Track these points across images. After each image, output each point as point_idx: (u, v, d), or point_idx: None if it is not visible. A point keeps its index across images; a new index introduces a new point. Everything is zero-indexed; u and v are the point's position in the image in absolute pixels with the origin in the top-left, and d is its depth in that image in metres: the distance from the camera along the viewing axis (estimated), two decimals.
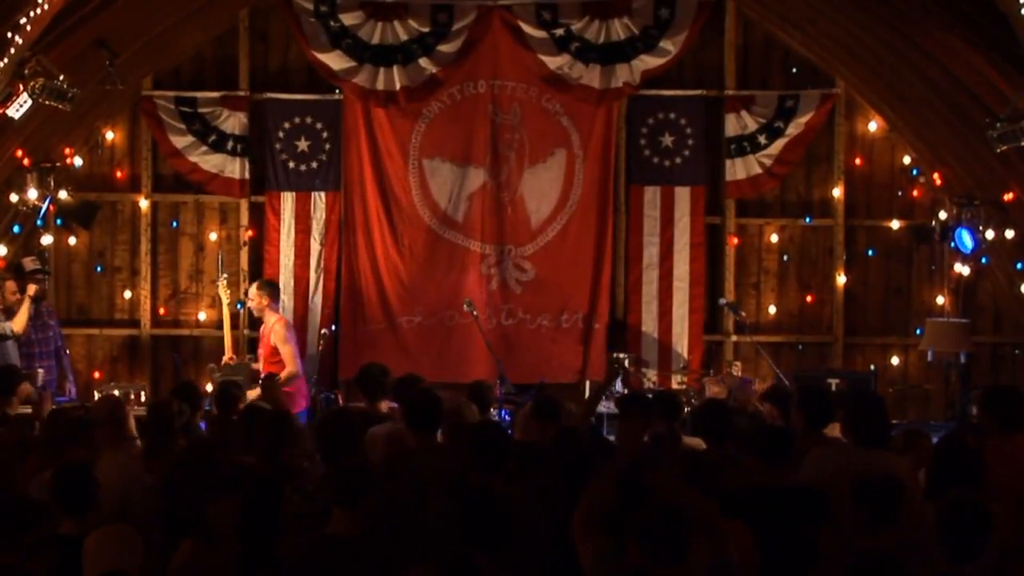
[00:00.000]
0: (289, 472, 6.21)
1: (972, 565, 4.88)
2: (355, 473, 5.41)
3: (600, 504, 5.17)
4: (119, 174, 12.35)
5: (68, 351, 11.44)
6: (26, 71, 9.17)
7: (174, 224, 12.41)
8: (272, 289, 10.92)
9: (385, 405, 8.25)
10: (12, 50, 8.68)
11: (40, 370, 10.34)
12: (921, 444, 6.68)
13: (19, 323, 10.36)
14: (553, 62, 11.94)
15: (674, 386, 11.52)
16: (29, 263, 11.09)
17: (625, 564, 4.76)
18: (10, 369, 9.07)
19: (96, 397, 10.09)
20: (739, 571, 5.06)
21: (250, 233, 12.27)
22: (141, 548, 4.92)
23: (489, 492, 5.15)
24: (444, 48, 11.93)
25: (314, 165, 12.15)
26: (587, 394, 11.04)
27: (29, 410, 8.66)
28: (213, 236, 12.36)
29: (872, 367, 11.97)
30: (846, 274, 12.28)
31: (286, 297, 12.04)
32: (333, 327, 11.93)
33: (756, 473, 6.02)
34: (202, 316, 12.37)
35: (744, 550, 5.25)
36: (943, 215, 11.74)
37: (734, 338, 12.25)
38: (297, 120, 12.13)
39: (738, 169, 12.12)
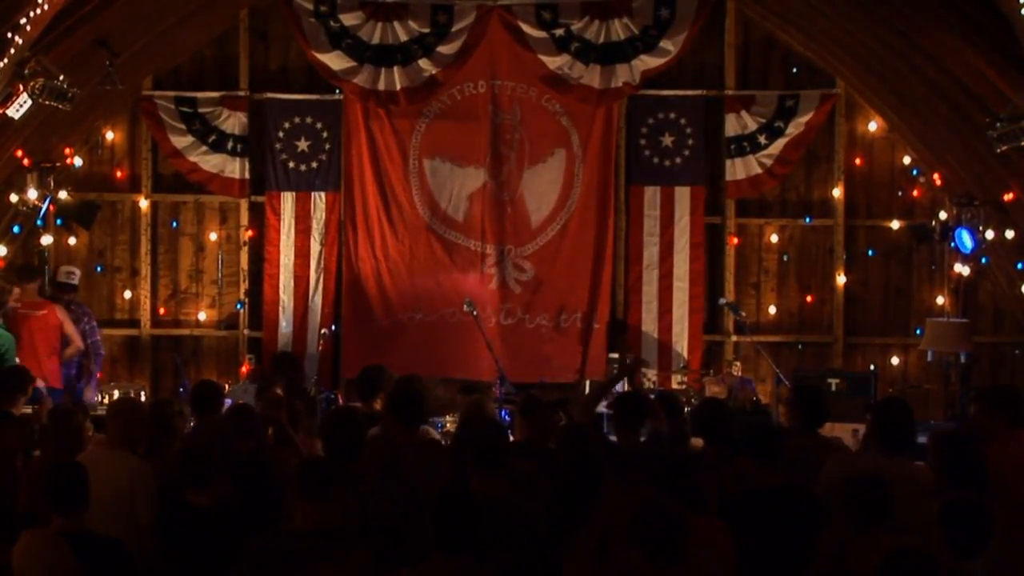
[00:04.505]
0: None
1: (975, 562, 4.89)
2: (318, 467, 5.36)
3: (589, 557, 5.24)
4: (119, 174, 12.35)
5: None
6: (26, 71, 9.15)
7: (174, 224, 12.42)
8: (21, 273, 10.85)
9: (379, 404, 8.24)
10: (12, 50, 8.66)
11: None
12: None
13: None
14: (553, 62, 11.94)
15: (674, 386, 11.51)
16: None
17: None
18: (21, 370, 9.07)
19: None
20: (721, 566, 5.08)
21: (250, 233, 12.28)
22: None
23: (468, 495, 5.11)
24: (444, 49, 11.94)
25: (314, 165, 12.15)
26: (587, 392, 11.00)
27: (29, 410, 8.65)
28: (213, 236, 12.36)
29: (872, 367, 11.98)
30: (846, 274, 12.28)
31: (286, 297, 12.05)
32: (333, 327, 11.94)
33: (751, 473, 6.02)
34: (202, 316, 12.37)
35: (720, 549, 5.26)
36: (943, 215, 11.73)
37: (734, 338, 12.25)
38: (297, 120, 12.14)
39: (738, 169, 12.12)
